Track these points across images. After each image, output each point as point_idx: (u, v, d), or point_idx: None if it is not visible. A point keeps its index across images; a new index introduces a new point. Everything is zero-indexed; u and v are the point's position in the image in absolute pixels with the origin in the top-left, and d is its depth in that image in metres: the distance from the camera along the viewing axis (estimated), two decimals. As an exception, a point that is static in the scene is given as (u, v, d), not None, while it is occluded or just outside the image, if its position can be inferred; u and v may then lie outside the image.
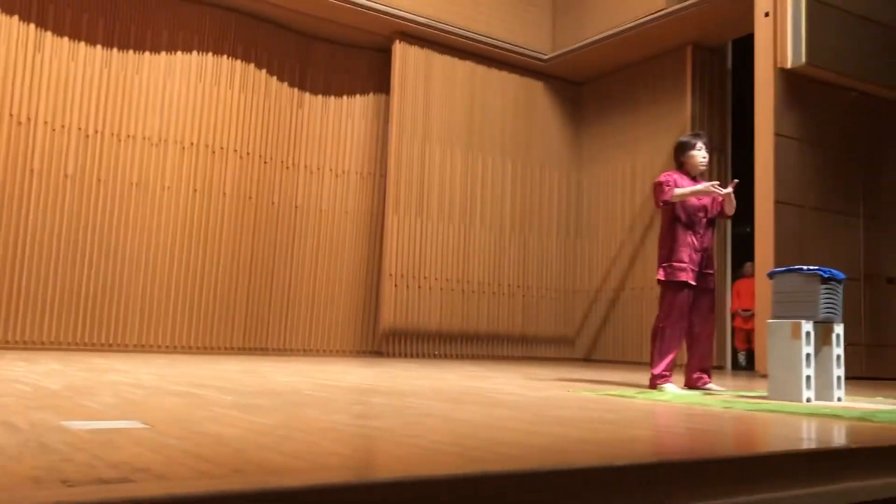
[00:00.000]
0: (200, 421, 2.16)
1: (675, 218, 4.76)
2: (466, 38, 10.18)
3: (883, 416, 2.98)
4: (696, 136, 4.93)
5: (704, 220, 4.81)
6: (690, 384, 4.76)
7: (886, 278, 8.41)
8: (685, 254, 4.69)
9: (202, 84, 9.09)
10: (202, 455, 1.51)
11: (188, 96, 9.00)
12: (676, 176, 4.84)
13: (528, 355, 10.64)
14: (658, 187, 4.78)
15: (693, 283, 4.67)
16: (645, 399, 3.77)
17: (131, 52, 8.75)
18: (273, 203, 9.49)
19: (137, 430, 1.90)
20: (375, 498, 1.21)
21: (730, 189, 4.71)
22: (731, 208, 4.80)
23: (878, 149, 8.52)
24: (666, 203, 4.74)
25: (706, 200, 4.83)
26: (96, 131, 8.47)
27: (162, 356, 7.47)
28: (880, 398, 4.32)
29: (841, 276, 4.03)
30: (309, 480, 1.21)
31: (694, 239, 4.73)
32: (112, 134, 8.56)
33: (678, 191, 4.69)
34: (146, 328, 8.55)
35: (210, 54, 9.16)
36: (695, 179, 4.86)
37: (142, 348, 8.51)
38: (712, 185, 4.67)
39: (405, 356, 9.58)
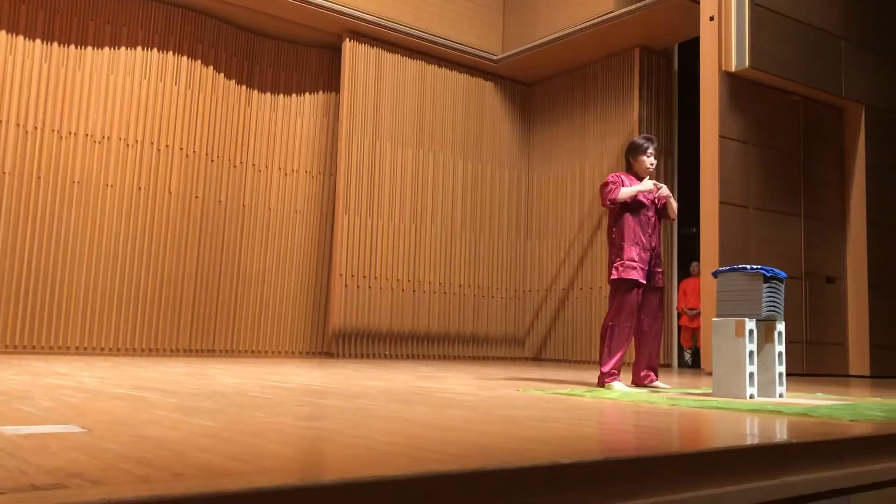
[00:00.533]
0: (141, 424, 2.10)
1: (623, 217, 4.82)
2: (417, 37, 10.16)
3: (822, 411, 3.05)
4: (649, 140, 4.99)
5: (653, 220, 4.88)
6: (638, 382, 4.82)
7: (826, 277, 8.65)
8: (634, 252, 4.75)
9: (147, 80, 8.90)
10: (141, 459, 1.47)
11: (132, 93, 8.80)
12: (624, 176, 4.90)
13: (479, 355, 10.67)
14: (605, 187, 4.84)
15: (643, 281, 4.73)
16: (593, 397, 3.80)
17: (73, 46, 8.52)
18: (220, 202, 9.34)
19: (74, 435, 1.84)
20: (319, 501, 1.18)
21: (667, 190, 4.84)
22: (672, 212, 4.95)
23: (817, 151, 8.76)
24: (613, 203, 4.80)
25: (650, 195, 4.91)
26: (35, 127, 8.23)
27: (105, 359, 7.28)
28: (820, 394, 4.43)
29: (782, 274, 4.12)
30: (251, 483, 1.18)
31: (643, 238, 4.79)
32: (52, 130, 8.32)
33: (625, 190, 4.77)
34: (89, 330, 8.33)
35: (155, 50, 8.97)
36: (641, 181, 4.93)
37: (84, 351, 8.29)
38: (652, 183, 4.81)
39: (356, 357, 9.51)
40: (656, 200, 4.91)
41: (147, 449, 1.62)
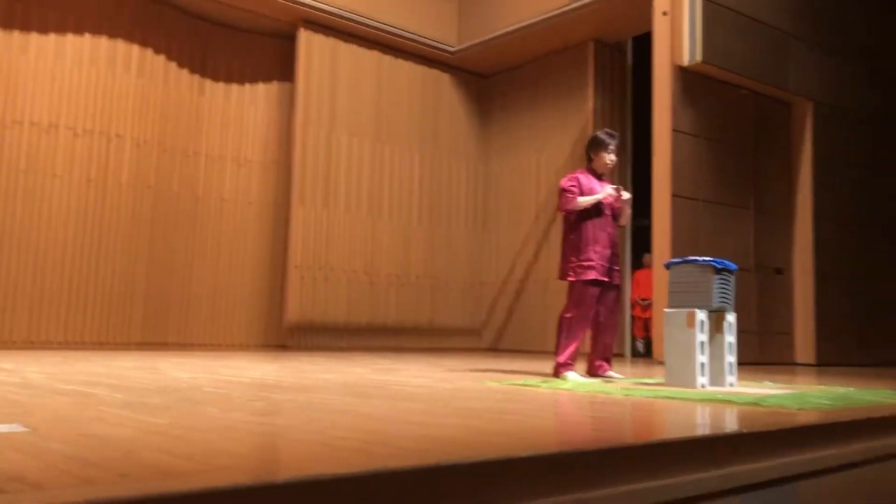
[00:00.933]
0: (88, 422, 2.05)
1: (583, 217, 4.83)
2: (373, 27, 10.08)
3: (772, 400, 3.11)
4: (611, 136, 5.01)
5: (610, 219, 4.91)
6: (592, 372, 4.86)
7: (775, 268, 8.84)
8: (593, 251, 4.77)
9: (96, 68, 8.67)
10: (87, 459, 1.43)
11: (80, 81, 8.57)
12: (581, 175, 4.93)
13: (436, 346, 10.68)
14: (562, 194, 4.86)
15: (603, 278, 4.75)
16: (549, 388, 3.83)
17: (17, 32, 8.26)
18: (173, 192, 9.17)
19: (16, 435, 1.78)
20: (272, 500, 1.16)
21: (627, 195, 4.88)
22: (625, 219, 5.01)
23: (767, 145, 8.93)
24: (570, 212, 4.83)
25: (609, 199, 4.94)
26: (-22, 115, 7.97)
27: (53, 353, 7.10)
28: (768, 382, 4.53)
29: (733, 266, 4.19)
30: (201, 483, 1.15)
31: (603, 235, 4.82)
32: (-4, 118, 8.06)
33: (582, 200, 4.80)
34: (35, 323, 8.11)
35: (105, 37, 8.74)
36: (600, 178, 4.97)
37: (31, 345, 8.07)
38: (613, 189, 4.83)
39: (312, 349, 9.44)
40: (614, 204, 4.92)
41: (93, 448, 1.57)
